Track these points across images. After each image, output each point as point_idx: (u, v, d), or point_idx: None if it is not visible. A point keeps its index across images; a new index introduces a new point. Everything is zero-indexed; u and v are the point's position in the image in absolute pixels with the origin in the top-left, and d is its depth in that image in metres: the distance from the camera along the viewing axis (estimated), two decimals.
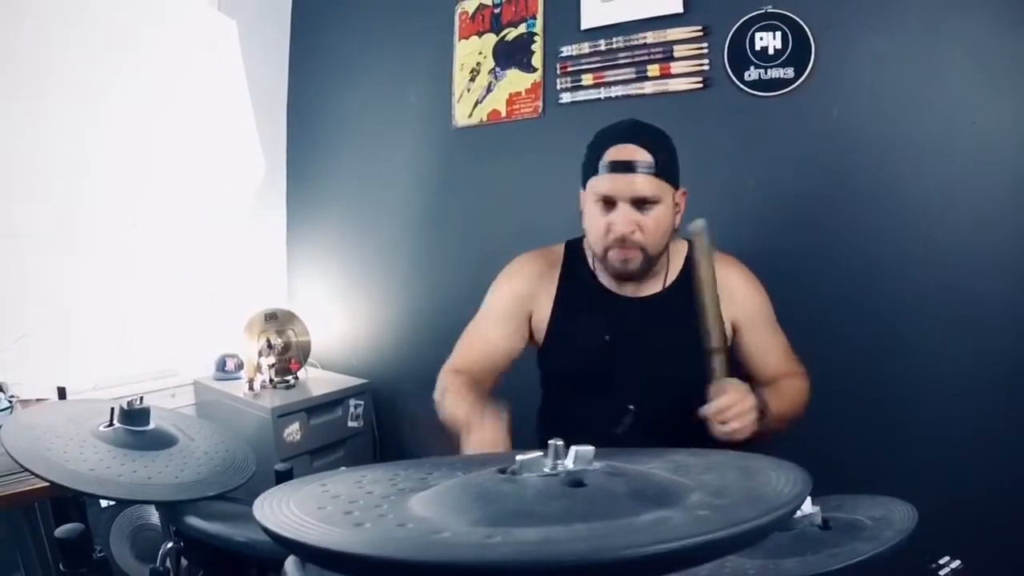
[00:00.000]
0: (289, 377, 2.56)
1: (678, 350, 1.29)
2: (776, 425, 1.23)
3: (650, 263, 1.34)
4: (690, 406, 1.27)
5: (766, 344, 1.39)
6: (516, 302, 1.43)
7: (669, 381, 1.30)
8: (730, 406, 1.15)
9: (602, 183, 1.29)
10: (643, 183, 1.26)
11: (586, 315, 1.39)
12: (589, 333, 1.36)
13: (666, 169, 1.28)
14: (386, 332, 2.66)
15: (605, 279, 1.40)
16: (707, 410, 1.16)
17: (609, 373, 1.35)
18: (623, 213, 1.28)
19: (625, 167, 1.26)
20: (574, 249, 1.46)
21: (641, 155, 1.26)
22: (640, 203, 1.28)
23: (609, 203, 1.29)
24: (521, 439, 1.13)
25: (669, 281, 1.40)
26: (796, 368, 1.38)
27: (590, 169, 1.32)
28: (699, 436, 1.15)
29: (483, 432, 1.15)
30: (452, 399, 1.29)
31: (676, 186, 1.32)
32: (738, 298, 1.38)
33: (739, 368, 1.37)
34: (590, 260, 1.43)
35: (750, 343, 1.39)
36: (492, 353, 1.42)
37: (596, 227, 1.32)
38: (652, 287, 1.39)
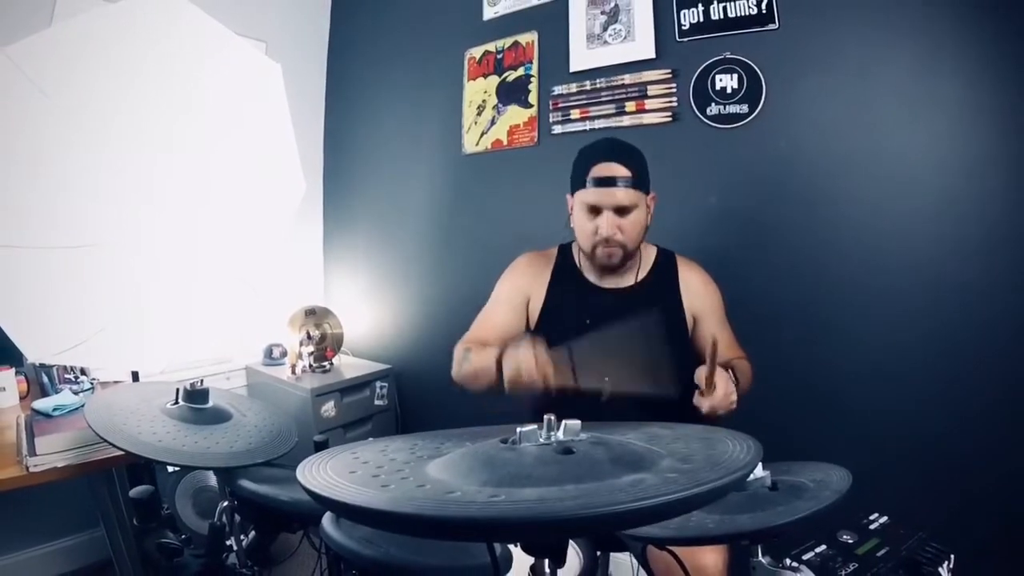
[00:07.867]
0: (325, 363, 2.57)
1: (645, 332, 1.30)
2: (741, 394, 1.21)
3: (629, 257, 1.37)
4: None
5: (718, 334, 1.39)
6: (517, 292, 1.45)
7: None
8: (725, 407, 1.13)
9: (589, 195, 1.32)
10: (622, 195, 1.30)
11: (572, 302, 1.41)
12: (573, 316, 1.37)
13: (640, 181, 1.32)
14: (407, 325, 2.66)
15: (589, 274, 1.43)
16: (701, 405, 1.13)
17: None
18: (607, 219, 1.31)
19: (608, 182, 1.29)
20: (565, 250, 1.49)
21: (620, 171, 1.29)
22: (620, 210, 1.31)
23: (595, 210, 1.32)
24: (517, 412, 1.11)
25: (640, 277, 1.42)
26: (742, 353, 1.40)
27: (578, 182, 1.34)
28: (664, 404, 1.14)
29: (517, 348, 1.10)
30: (476, 353, 1.27)
31: (648, 192, 1.35)
32: (698, 296, 1.41)
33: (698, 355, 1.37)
34: (576, 258, 1.46)
35: (706, 332, 1.39)
36: (500, 333, 1.41)
37: (585, 230, 1.35)
38: (626, 281, 1.42)
